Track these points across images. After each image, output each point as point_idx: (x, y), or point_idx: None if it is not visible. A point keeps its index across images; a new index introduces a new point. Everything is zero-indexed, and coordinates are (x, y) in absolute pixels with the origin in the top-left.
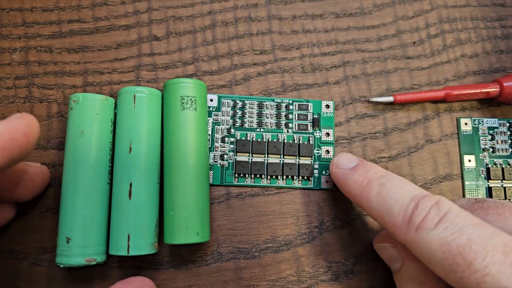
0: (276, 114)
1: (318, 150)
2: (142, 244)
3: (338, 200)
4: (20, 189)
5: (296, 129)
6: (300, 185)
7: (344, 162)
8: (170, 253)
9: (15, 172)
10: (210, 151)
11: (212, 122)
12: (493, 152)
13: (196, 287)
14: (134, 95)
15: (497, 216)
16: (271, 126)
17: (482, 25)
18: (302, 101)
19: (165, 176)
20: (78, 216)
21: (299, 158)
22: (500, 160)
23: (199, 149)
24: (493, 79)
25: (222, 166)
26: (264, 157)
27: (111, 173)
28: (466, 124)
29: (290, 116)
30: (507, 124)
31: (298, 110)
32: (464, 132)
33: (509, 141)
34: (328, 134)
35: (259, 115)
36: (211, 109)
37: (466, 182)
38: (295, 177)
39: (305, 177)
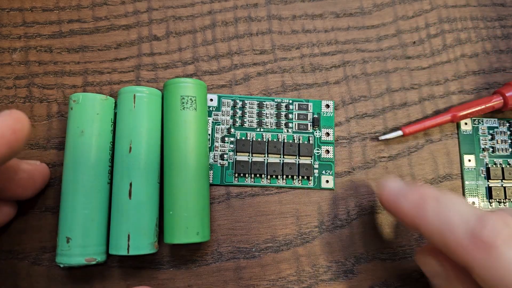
0: (276, 114)
1: (318, 150)
2: (142, 243)
3: (338, 200)
4: (19, 187)
5: (296, 129)
6: (300, 185)
7: (393, 184)
8: (170, 253)
9: (8, 169)
10: (210, 151)
11: (212, 122)
12: (493, 152)
13: (196, 286)
14: (134, 95)
15: None
16: (271, 126)
17: (482, 25)
18: (302, 101)
19: (165, 175)
20: (78, 216)
21: (299, 158)
22: (500, 160)
23: (199, 149)
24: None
25: (222, 165)
26: (264, 157)
27: (111, 173)
28: (466, 124)
29: (290, 116)
30: (507, 124)
31: (298, 110)
32: (464, 132)
33: (509, 141)
34: (328, 134)
35: (259, 115)
36: (211, 109)
37: (466, 182)
38: (295, 177)
39: (305, 177)
